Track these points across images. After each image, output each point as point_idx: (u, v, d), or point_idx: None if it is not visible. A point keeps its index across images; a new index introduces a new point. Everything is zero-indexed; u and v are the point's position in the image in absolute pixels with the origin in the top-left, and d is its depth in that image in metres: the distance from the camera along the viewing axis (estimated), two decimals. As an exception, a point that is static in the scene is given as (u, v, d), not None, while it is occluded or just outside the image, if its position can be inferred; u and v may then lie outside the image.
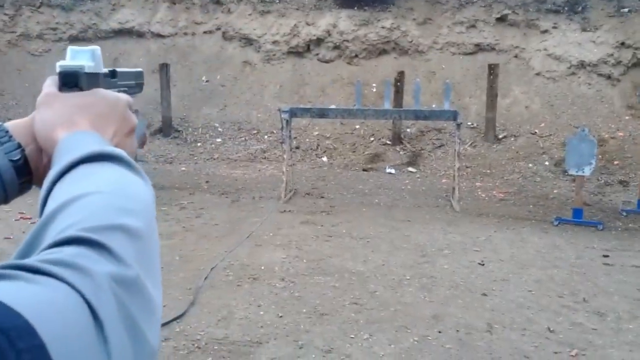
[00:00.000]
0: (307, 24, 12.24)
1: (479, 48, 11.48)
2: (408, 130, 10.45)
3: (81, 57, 0.76)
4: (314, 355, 3.75)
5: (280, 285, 4.80)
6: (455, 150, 7.55)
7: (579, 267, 5.33)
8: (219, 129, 11.14)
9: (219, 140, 10.76)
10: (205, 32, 12.69)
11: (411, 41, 11.77)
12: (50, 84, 0.74)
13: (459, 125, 7.53)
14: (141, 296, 0.48)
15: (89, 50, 0.76)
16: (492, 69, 10.11)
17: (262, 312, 4.30)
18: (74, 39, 12.77)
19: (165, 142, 10.74)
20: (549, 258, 5.56)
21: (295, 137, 9.52)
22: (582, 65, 10.75)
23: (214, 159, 10.02)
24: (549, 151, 9.60)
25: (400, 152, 9.99)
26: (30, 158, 0.71)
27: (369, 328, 4.09)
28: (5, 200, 0.70)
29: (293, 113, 7.86)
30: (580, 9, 11.07)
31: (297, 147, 10.01)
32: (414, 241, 5.95)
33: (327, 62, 12.07)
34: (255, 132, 11.04)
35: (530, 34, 11.33)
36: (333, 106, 9.58)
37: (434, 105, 10.36)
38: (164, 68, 10.90)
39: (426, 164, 9.64)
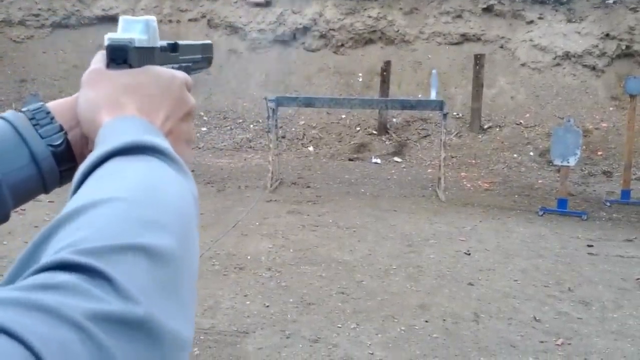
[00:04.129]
0: (293, 13, 12.16)
1: (465, 38, 11.48)
2: (394, 120, 10.45)
3: (133, 29, 0.66)
4: (301, 345, 3.75)
5: (267, 274, 4.79)
6: (441, 140, 7.56)
7: (564, 257, 5.37)
8: (205, 118, 11.05)
9: (204, 129, 10.68)
10: (190, 20, 12.56)
11: (397, 31, 11.74)
12: (99, 60, 0.66)
13: (445, 115, 7.54)
14: (151, 338, 0.38)
15: (143, 21, 0.66)
16: (478, 59, 10.12)
17: (248, 302, 4.29)
18: (57, 26, 12.59)
19: (150, 131, 10.63)
20: (534, 248, 5.60)
21: (281, 127, 9.48)
22: (567, 56, 10.80)
23: (199, 148, 9.95)
24: (534, 142, 9.66)
25: (386, 142, 9.99)
26: (74, 143, 0.63)
27: (355, 317, 4.10)
28: (45, 190, 0.62)
29: (279, 102, 7.82)
30: (565, 0, 11.11)
31: (283, 137, 9.97)
32: (400, 231, 5.96)
33: (313, 51, 12.01)
34: (240, 121, 10.98)
35: (516, 25, 11.34)
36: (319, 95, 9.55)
37: (420, 95, 10.37)
38: (149, 56, 10.76)
39: (412, 154, 9.65)
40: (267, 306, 4.25)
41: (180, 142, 0.65)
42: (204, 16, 12.55)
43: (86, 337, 0.34)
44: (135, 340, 0.37)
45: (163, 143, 0.55)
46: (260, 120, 10.45)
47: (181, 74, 0.68)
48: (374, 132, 10.22)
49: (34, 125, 0.62)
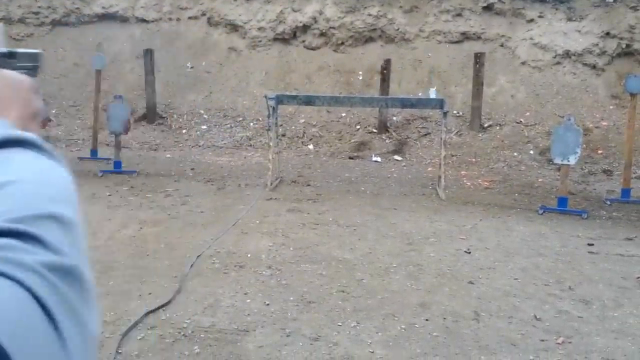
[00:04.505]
0: (294, 11, 12.14)
1: (465, 37, 11.47)
2: (394, 118, 10.44)
3: None
4: (301, 343, 3.73)
5: (267, 273, 4.77)
6: (441, 138, 7.55)
7: (564, 256, 5.36)
8: (204, 116, 11.04)
9: (204, 127, 10.67)
10: (190, 18, 12.55)
11: (397, 29, 11.73)
12: None
13: (445, 114, 7.53)
14: (79, 284, 0.45)
15: None
16: (478, 58, 10.11)
17: (248, 300, 4.28)
18: (57, 24, 12.58)
19: (150, 129, 10.63)
20: (534, 246, 5.59)
21: (281, 125, 9.48)
22: (567, 54, 10.79)
23: (199, 146, 9.94)
24: (534, 140, 9.65)
25: (386, 141, 9.98)
26: None
27: (356, 316, 4.09)
28: None
29: (279, 100, 7.81)
30: (566, -2, 11.10)
31: (283, 135, 9.96)
32: (400, 229, 5.95)
33: (313, 49, 12.00)
34: (240, 119, 10.97)
35: (517, 23, 11.34)
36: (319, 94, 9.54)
37: (420, 94, 10.36)
38: (148, 54, 10.77)
39: (412, 152, 9.64)
40: (268, 304, 4.23)
41: None
42: (204, 14, 12.53)
43: (46, 281, 0.41)
44: (71, 283, 0.44)
45: (34, 136, 0.58)
46: (261, 119, 10.44)
47: (28, 78, 0.71)
48: (374, 130, 10.21)
49: None
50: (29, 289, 0.40)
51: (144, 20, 12.51)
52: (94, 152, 8.62)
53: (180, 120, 10.99)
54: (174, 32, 12.40)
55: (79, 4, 12.66)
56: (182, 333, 3.79)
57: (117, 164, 7.79)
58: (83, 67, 11.49)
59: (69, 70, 11.93)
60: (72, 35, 12.52)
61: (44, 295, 0.40)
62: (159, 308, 4.09)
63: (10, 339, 0.36)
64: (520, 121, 10.08)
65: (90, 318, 0.45)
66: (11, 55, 0.78)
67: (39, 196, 0.50)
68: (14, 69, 0.75)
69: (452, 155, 9.10)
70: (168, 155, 9.29)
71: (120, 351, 3.53)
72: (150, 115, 10.79)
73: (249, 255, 5.10)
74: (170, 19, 12.52)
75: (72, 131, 10.36)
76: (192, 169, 8.35)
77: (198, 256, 5.03)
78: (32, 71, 0.86)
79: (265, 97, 7.77)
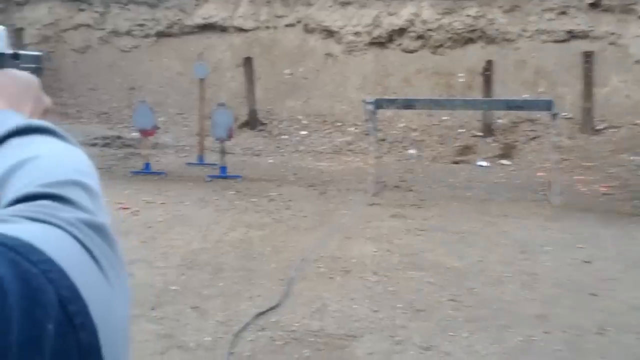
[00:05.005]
0: (389, 14, 12.03)
1: (572, 35, 10.90)
2: (499, 121, 10.06)
3: None
4: (412, 352, 3.62)
5: (373, 279, 4.68)
6: (551, 141, 7.17)
7: (697, 267, 4.91)
8: (304, 122, 11.12)
9: (304, 132, 10.74)
10: (286, 26, 12.71)
11: (498, 29, 11.34)
12: None
13: (554, 116, 7.15)
14: (109, 239, 0.49)
15: None
16: (587, 57, 9.59)
17: (355, 306, 4.21)
18: (161, 35, 13.11)
19: (252, 135, 10.81)
20: (661, 256, 5.16)
21: (380, 129, 9.37)
22: (686, 51, 10.02)
23: (300, 152, 10.00)
24: (653, 143, 9.00)
25: (492, 144, 9.63)
26: None
27: (469, 326, 3.92)
28: None
29: (378, 104, 7.70)
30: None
31: (383, 140, 9.85)
32: (512, 237, 5.67)
33: (410, 52, 11.83)
34: (339, 124, 10.96)
35: (627, 20, 10.65)
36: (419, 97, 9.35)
37: (525, 96, 9.94)
38: (248, 62, 10.98)
39: (521, 156, 9.23)
40: (375, 311, 4.14)
41: None
42: (299, 21, 12.66)
43: (85, 234, 0.45)
44: (102, 238, 0.47)
45: (50, 124, 0.64)
46: (359, 123, 10.38)
47: (34, 77, 0.77)
48: (479, 134, 9.88)
49: None
50: (74, 236, 0.44)
51: (242, 30, 12.80)
52: (200, 158, 8.86)
53: (281, 126, 11.11)
54: (271, 40, 12.60)
55: (180, 15, 13.13)
56: (292, 336, 3.79)
57: (223, 170, 7.95)
58: (187, 76, 11.89)
59: (173, 79, 12.39)
60: (175, 46, 13.00)
61: (88, 244, 0.44)
62: (268, 310, 4.10)
63: (71, 272, 0.39)
64: (638, 123, 9.43)
65: (120, 265, 0.49)
66: (16, 56, 0.85)
67: (62, 166, 0.55)
68: (18, 69, 0.81)
69: (564, 160, 8.62)
70: (270, 161, 9.40)
71: (232, 351, 3.56)
72: (252, 122, 10.98)
73: (353, 261, 5.03)
74: (267, 28, 12.73)
75: (180, 138, 10.72)
76: (294, 174, 8.40)
77: (303, 260, 5.01)
78: (35, 72, 0.90)
79: (364, 101, 7.69)
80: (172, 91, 12.10)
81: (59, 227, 0.43)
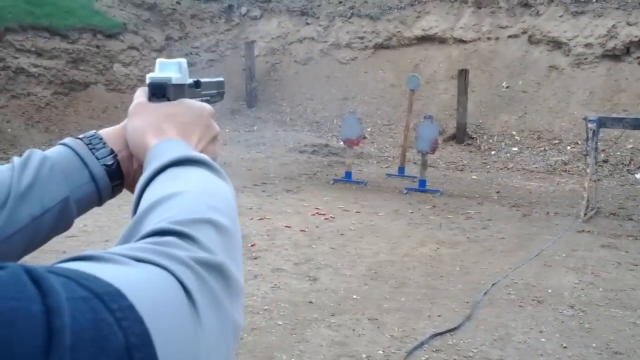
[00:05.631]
0: (629, 24, 10.95)
1: None
2: None
3: (169, 69, 0.81)
4: (601, 400, 3.25)
5: (569, 312, 4.29)
6: None
7: None
8: (517, 137, 10.60)
9: (515, 149, 10.24)
10: (509, 37, 12.25)
11: None
12: (140, 95, 0.80)
13: None
14: (225, 279, 0.50)
15: (176, 63, 0.81)
16: None
17: (543, 339, 3.90)
18: (379, 47, 13.45)
19: (458, 149, 10.60)
20: None
21: (603, 150, 8.57)
22: None
23: (508, 169, 9.55)
24: None
25: None
26: (122, 163, 0.78)
27: (676, 380, 3.41)
28: (99, 202, 0.78)
29: (601, 123, 7.04)
30: None
31: (605, 161, 8.98)
32: None
33: (649, 66, 10.65)
34: (556, 142, 10.25)
35: None
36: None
37: None
38: (463, 74, 10.79)
39: None
40: (565, 347, 3.79)
41: None
42: (524, 32, 12.12)
43: (195, 273, 0.47)
44: (217, 277, 0.49)
45: (205, 157, 0.69)
46: (579, 142, 9.61)
47: (208, 105, 0.83)
48: None
49: (90, 149, 0.77)
50: (176, 277, 0.45)
51: (461, 41, 12.61)
52: (401, 169, 8.91)
53: (490, 141, 10.73)
54: (491, 52, 12.23)
55: (400, 28, 13.35)
56: (467, 362, 3.63)
57: (422, 183, 7.91)
58: (399, 88, 12.05)
59: (386, 91, 12.64)
60: (392, 58, 13.25)
61: (189, 283, 0.45)
62: (446, 332, 3.98)
63: (151, 317, 0.40)
64: None
65: (234, 309, 0.50)
66: (197, 84, 0.87)
67: (199, 204, 0.57)
68: (199, 97, 0.87)
69: None
70: (474, 177, 9.12)
71: (404, 368, 3.52)
72: (460, 135, 10.77)
73: (549, 291, 4.66)
74: (488, 39, 12.39)
75: (384, 149, 10.91)
76: (497, 192, 8.05)
77: (494, 284, 4.77)
78: (217, 97, 0.97)
79: (585, 119, 7.10)
80: (383, 102, 12.35)
81: (163, 267, 0.45)
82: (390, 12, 13.50)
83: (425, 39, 13.05)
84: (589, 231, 6.26)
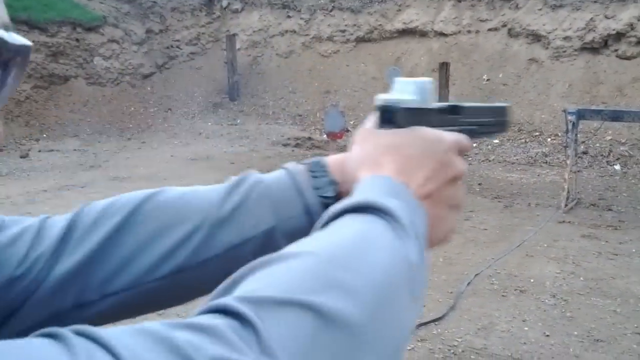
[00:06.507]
0: (606, 18, 11.10)
1: None
2: None
3: (406, 90, 0.66)
4: (582, 385, 3.34)
5: (550, 302, 4.38)
6: None
7: None
8: (498, 130, 10.72)
9: (496, 141, 10.35)
10: (489, 30, 12.35)
11: None
12: (371, 120, 0.68)
13: None
14: None
15: (413, 83, 0.67)
16: None
17: (526, 328, 3.98)
18: (360, 40, 13.49)
19: (443, 142, 10.69)
20: None
21: (583, 142, 8.70)
22: None
23: (490, 161, 9.66)
24: None
25: None
26: (344, 197, 0.62)
27: (654, 365, 3.51)
28: None
29: (581, 115, 7.14)
30: None
31: (585, 153, 9.12)
32: None
33: (627, 58, 10.81)
34: (537, 134, 10.38)
35: None
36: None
37: None
38: (444, 67, 10.87)
39: None
40: (547, 335, 3.88)
41: (442, 207, 0.63)
42: (504, 25, 12.22)
43: None
44: None
45: (395, 205, 0.54)
46: (560, 134, 9.74)
47: (451, 137, 0.65)
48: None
49: (312, 177, 0.69)
50: None
51: (442, 34, 12.69)
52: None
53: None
54: (471, 45, 12.33)
55: (381, 21, 13.39)
56: (452, 351, 3.70)
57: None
58: (381, 81, 12.10)
59: (368, 84, 12.68)
60: (373, 51, 13.30)
61: None
62: (431, 322, 4.05)
63: None
64: None
65: None
66: (453, 110, 0.71)
67: (314, 277, 0.43)
68: (456, 125, 0.70)
69: None
70: (457, 169, 9.21)
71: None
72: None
73: (531, 280, 4.75)
74: (468, 32, 12.48)
75: (368, 141, 10.96)
76: (479, 184, 8.14)
77: (477, 275, 4.85)
78: (492, 128, 0.78)
79: (565, 111, 7.20)
80: (366, 95, 12.39)
81: None
82: (372, 6, 13.53)
83: (406, 32, 13.10)
84: (569, 222, 6.37)
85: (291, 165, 0.71)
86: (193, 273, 0.66)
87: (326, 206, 0.63)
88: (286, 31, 14.34)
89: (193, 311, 0.41)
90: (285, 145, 10.62)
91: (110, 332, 0.35)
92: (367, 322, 0.42)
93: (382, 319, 0.44)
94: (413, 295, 0.49)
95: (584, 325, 4.02)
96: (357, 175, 0.62)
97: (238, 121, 12.72)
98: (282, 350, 0.37)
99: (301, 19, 14.29)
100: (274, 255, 0.45)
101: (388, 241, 0.50)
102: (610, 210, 6.88)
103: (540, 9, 11.91)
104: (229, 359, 0.36)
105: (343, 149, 10.35)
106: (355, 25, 13.64)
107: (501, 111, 0.79)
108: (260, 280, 0.42)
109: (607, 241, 5.72)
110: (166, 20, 14.64)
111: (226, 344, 0.36)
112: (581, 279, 4.81)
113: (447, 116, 0.69)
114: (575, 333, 3.91)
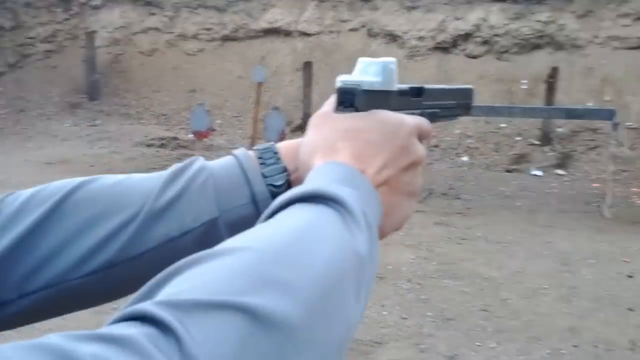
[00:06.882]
0: (456, 19, 11.91)
1: (646, 42, 10.48)
2: (559, 129, 9.78)
3: (369, 71, 0.63)
4: (435, 360, 3.62)
5: (407, 286, 4.69)
6: (610, 152, 6.93)
7: None
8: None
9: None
10: (350, 30, 12.79)
11: (568, 35, 11.02)
12: (329, 103, 0.65)
13: (615, 125, 6.91)
14: None
15: (379, 63, 0.63)
16: (659, 64, 9.19)
17: (385, 312, 4.23)
18: (226, 39, 13.47)
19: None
20: None
21: (434, 135, 9.29)
22: None
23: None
24: None
25: (549, 153, 9.37)
26: (296, 185, 0.60)
27: (497, 337, 3.88)
28: None
29: (433, 110, 7.66)
30: None
31: (436, 146, 9.76)
32: (555, 248, 5.54)
33: (474, 57, 11.67)
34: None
35: None
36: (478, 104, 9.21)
37: (589, 104, 9.62)
38: (307, 66, 11.14)
39: (577, 166, 8.95)
40: (404, 318, 4.16)
41: (399, 193, 0.61)
42: (364, 26, 12.72)
43: None
44: None
45: (347, 195, 0.50)
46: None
47: (413, 120, 0.63)
48: (536, 142, 9.64)
49: (260, 164, 0.64)
50: None
51: (306, 34, 12.98)
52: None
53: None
54: (334, 45, 12.71)
55: (247, 20, 13.45)
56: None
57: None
58: (247, 80, 12.17)
59: (234, 82, 12.69)
60: (239, 50, 13.32)
61: None
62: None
63: None
64: None
65: None
66: (417, 92, 0.68)
67: (248, 275, 0.39)
68: (419, 109, 0.68)
69: (623, 171, 8.29)
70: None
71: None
72: (306, 126, 11.09)
73: (389, 267, 5.04)
74: (331, 32, 12.85)
75: (234, 140, 10.98)
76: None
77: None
78: (455, 110, 0.76)
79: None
80: (232, 95, 12.40)
81: None
82: (237, 4, 13.54)
83: (271, 32, 13.25)
84: (423, 211, 6.80)
85: (240, 151, 0.66)
86: (125, 268, 0.60)
87: (275, 195, 0.60)
88: (149, 29, 13.96)
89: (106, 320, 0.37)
90: (149, 145, 10.38)
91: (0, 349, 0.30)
92: (307, 321, 0.38)
93: (325, 316, 0.40)
94: (361, 288, 0.46)
95: (437, 305, 4.34)
96: (311, 162, 0.59)
97: (98, 122, 12.21)
98: (207, 357, 0.33)
99: (165, 16, 13.98)
100: (206, 252, 0.41)
101: (336, 233, 0.46)
102: (459, 198, 7.43)
103: (397, 10, 12.50)
104: None
105: (210, 148, 10.29)
106: (220, 23, 13.58)
107: (466, 93, 0.77)
108: (187, 282, 0.38)
109: (456, 227, 6.19)
110: (19, 16, 13.71)
111: (140, 356, 0.32)
112: (434, 263, 5.18)
113: (410, 99, 0.67)
114: (429, 314, 4.22)
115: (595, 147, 9.25)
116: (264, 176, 0.63)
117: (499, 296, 4.50)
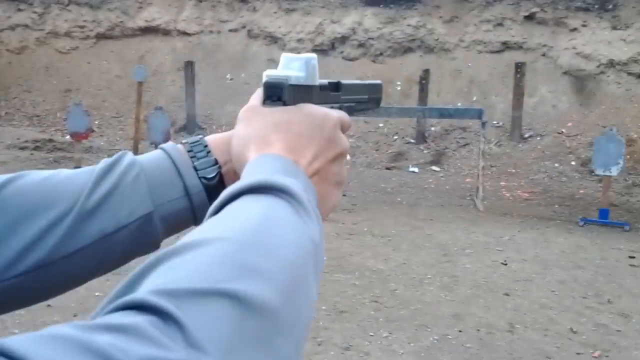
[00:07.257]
0: (333, 22, 12.22)
1: (506, 46, 11.35)
2: (432, 128, 10.38)
3: (292, 66, 0.65)
4: (332, 352, 3.73)
5: (300, 282, 4.79)
6: (479, 149, 7.47)
7: (604, 268, 5.23)
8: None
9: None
10: (230, 30, 12.75)
11: (437, 39, 11.69)
12: (256, 97, 0.66)
13: (484, 124, 7.46)
14: None
15: (302, 59, 0.66)
16: (519, 68, 9.99)
17: (281, 309, 4.30)
18: (101, 37, 12.94)
19: (191, 139, 10.80)
20: (573, 259, 5.47)
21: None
22: (611, 64, 10.55)
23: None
24: (576, 151, 9.46)
25: (424, 151, 9.93)
26: (227, 178, 0.65)
27: (388, 326, 4.07)
28: (195, 222, 0.65)
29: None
30: (610, 6, 10.86)
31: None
32: (435, 240, 5.90)
33: (351, 60, 12.04)
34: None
35: (559, 32, 11.15)
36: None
37: (459, 104, 10.28)
38: (189, 66, 10.98)
39: (450, 162, 9.56)
40: (300, 313, 4.25)
41: (328, 183, 0.63)
42: (244, 27, 12.72)
43: None
44: None
45: (293, 184, 0.52)
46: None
47: (337, 114, 0.65)
48: (412, 140, 10.16)
49: (191, 157, 0.65)
50: None
51: (185, 33, 12.77)
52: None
53: (219, 130, 10.98)
54: (214, 45, 12.61)
55: (122, 18, 13.01)
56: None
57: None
58: (126, 79, 11.78)
59: (112, 82, 12.24)
60: (116, 48, 12.86)
61: None
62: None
63: None
64: (562, 132, 9.90)
65: None
66: (335, 87, 0.71)
67: (228, 264, 0.40)
68: (337, 102, 0.71)
69: (492, 166, 8.99)
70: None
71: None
72: (190, 126, 10.98)
73: (282, 264, 5.12)
74: (211, 32, 12.74)
75: (114, 142, 10.61)
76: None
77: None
78: (368, 104, 0.79)
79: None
80: (110, 94, 11.96)
81: None
82: (111, 1, 13.05)
83: (149, 30, 12.90)
84: (312, 209, 6.97)
85: (169, 145, 0.67)
86: (58, 267, 0.59)
87: (207, 188, 0.63)
88: (17, 25, 13.10)
89: (94, 311, 0.37)
90: (22, 148, 9.76)
91: (17, 342, 0.30)
92: (284, 304, 0.40)
93: (297, 300, 0.43)
94: (317, 271, 0.49)
95: (330, 299, 4.47)
96: (245, 155, 0.60)
97: (-38, 124, 11.31)
98: (209, 342, 0.35)
99: (34, 12, 13.18)
100: (180, 244, 0.42)
101: (292, 221, 0.48)
102: (344, 196, 7.61)
103: (275, 12, 12.62)
104: (159, 357, 0.32)
105: (89, 150, 9.84)
106: (94, 21, 13.02)
107: (376, 88, 0.81)
108: (171, 273, 0.38)
109: (343, 223, 6.40)
110: None
111: (151, 342, 0.33)
112: (325, 258, 5.32)
113: (329, 93, 0.70)
114: (324, 307, 4.34)
115: (466, 145, 9.92)
116: (196, 169, 0.64)
117: (388, 287, 4.72)
